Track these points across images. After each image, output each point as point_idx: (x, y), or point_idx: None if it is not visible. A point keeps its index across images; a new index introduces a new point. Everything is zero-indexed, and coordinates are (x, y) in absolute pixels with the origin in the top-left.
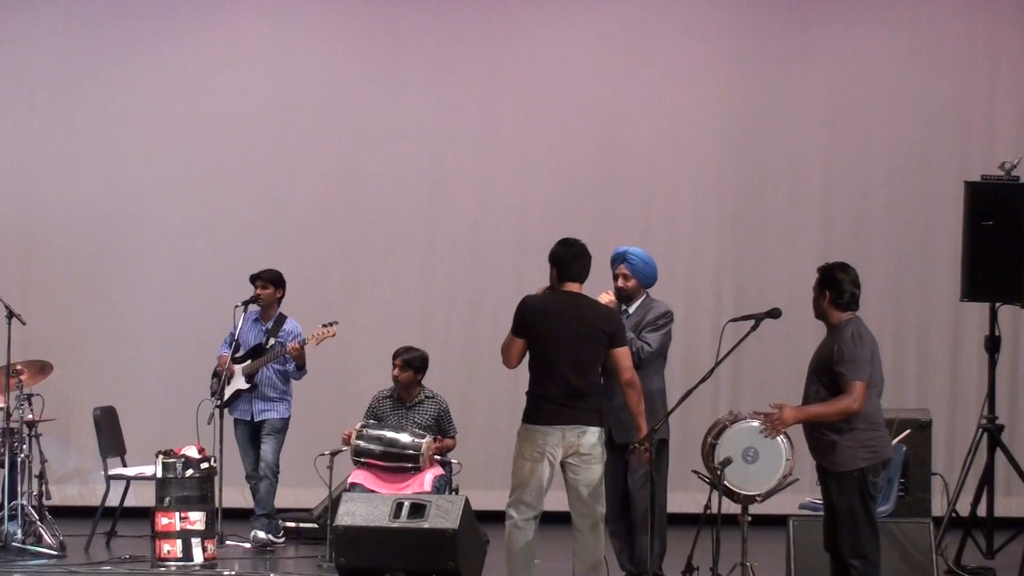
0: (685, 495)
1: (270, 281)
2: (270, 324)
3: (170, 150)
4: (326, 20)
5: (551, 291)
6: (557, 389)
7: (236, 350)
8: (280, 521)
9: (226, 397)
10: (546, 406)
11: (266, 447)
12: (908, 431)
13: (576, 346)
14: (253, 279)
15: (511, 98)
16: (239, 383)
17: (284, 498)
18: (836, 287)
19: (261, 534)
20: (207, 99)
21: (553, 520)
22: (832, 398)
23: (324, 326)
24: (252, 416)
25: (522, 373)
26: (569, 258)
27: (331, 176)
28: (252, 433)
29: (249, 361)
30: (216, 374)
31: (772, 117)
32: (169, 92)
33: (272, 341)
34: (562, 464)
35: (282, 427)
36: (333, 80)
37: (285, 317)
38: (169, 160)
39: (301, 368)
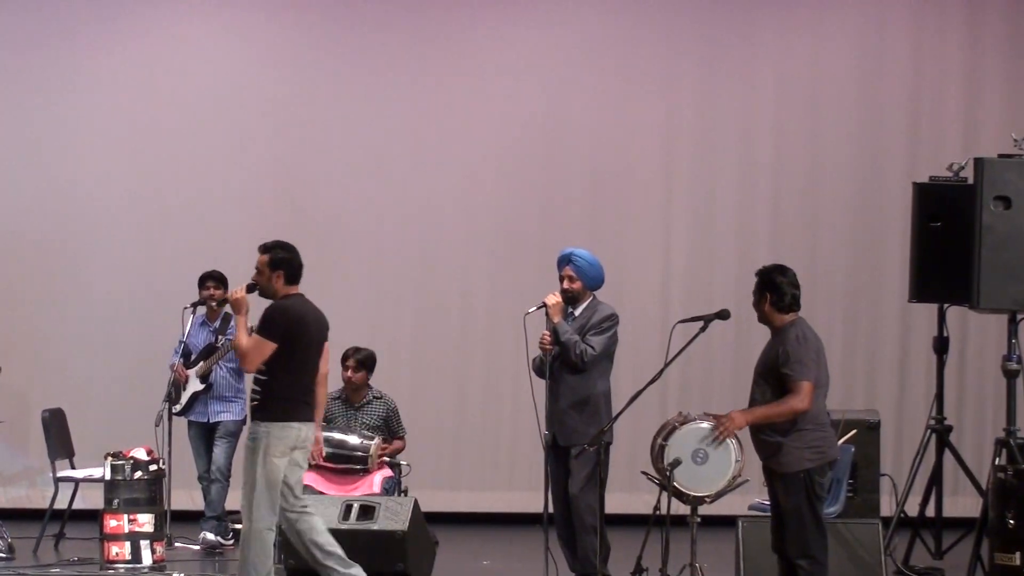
0: (634, 496)
1: (222, 281)
2: (217, 323)
3: (118, 147)
4: (277, 16)
5: (298, 296)
6: (309, 387)
7: (187, 356)
8: (229, 523)
9: (183, 402)
10: (302, 403)
11: (219, 450)
12: (854, 431)
13: (320, 347)
14: (204, 280)
15: (459, 100)
16: (194, 386)
17: (233, 500)
18: (776, 290)
19: (210, 536)
20: (155, 94)
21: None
22: (776, 401)
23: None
24: (208, 417)
25: (475, 377)
26: (298, 262)
27: (277, 175)
28: (207, 434)
29: (202, 363)
30: (173, 383)
31: (720, 119)
32: (117, 87)
33: (223, 340)
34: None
35: (236, 430)
36: (283, 78)
37: (231, 315)
38: (118, 157)
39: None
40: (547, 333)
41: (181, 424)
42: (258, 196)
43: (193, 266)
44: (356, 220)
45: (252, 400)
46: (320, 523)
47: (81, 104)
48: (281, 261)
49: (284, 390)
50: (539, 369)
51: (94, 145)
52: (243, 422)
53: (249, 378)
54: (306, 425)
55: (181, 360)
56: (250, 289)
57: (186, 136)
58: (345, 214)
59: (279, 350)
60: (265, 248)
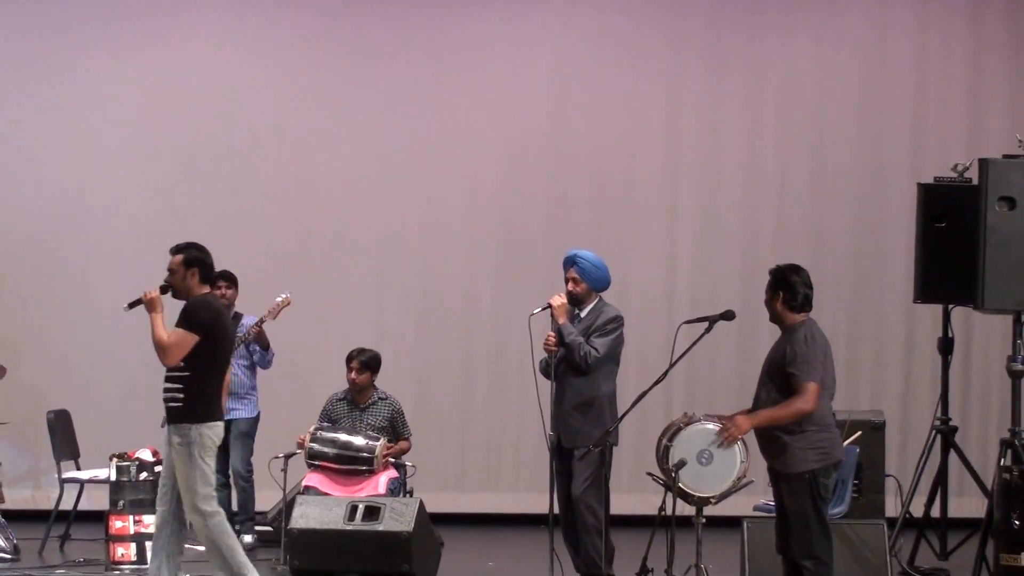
0: (640, 497)
1: (233, 281)
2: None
3: (124, 148)
4: (280, 17)
5: (211, 294)
6: (221, 384)
7: None
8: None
9: None
10: (219, 400)
11: (234, 454)
12: (859, 432)
13: (232, 345)
14: (215, 278)
15: (461, 99)
16: None
17: (261, 500)
18: (789, 289)
19: (248, 538)
20: (161, 95)
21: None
22: (784, 400)
23: (277, 300)
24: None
25: (480, 378)
26: (211, 262)
27: (283, 176)
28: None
29: None
30: None
31: (725, 119)
32: (122, 88)
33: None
34: None
35: (248, 429)
36: (286, 79)
37: (241, 314)
38: (123, 159)
39: (267, 348)
40: (552, 334)
41: None
42: (263, 198)
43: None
44: (360, 222)
45: (173, 400)
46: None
47: (87, 106)
48: (195, 260)
49: (206, 387)
50: (545, 370)
51: (100, 147)
52: (255, 420)
53: (263, 375)
54: (222, 423)
55: None
56: (164, 289)
57: (191, 138)
58: (349, 216)
59: (201, 345)
60: (178, 249)
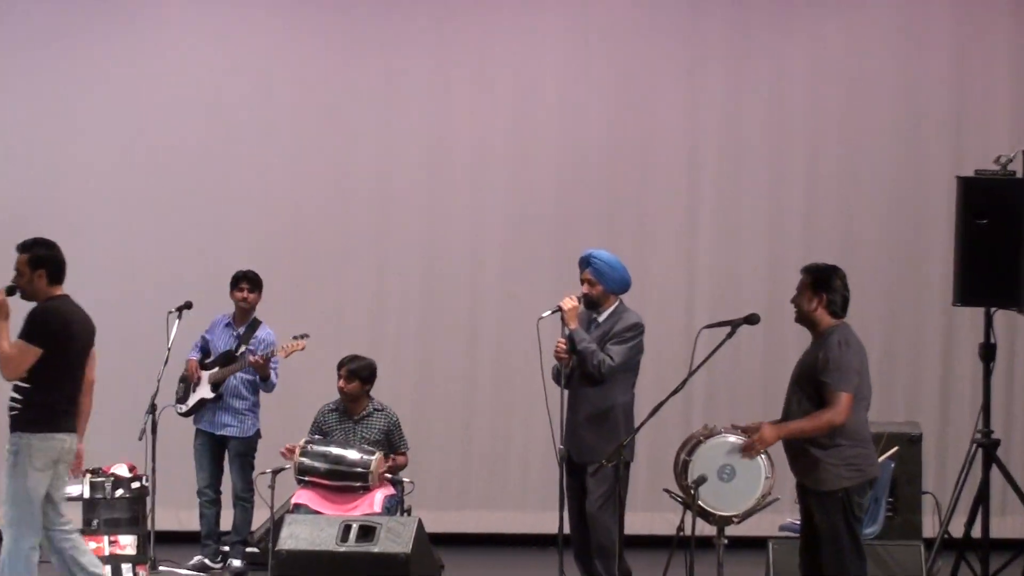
0: (656, 516)
1: (256, 284)
2: (243, 329)
3: (107, 143)
4: (276, 9)
5: (63, 297)
6: (73, 396)
7: (205, 355)
8: (217, 546)
9: (190, 404)
10: (66, 413)
11: (234, 475)
12: (896, 447)
13: (86, 353)
14: (236, 281)
15: (466, 90)
16: (204, 391)
17: (222, 520)
18: (832, 291)
19: (236, 563)
20: (148, 87)
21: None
22: (815, 410)
23: (295, 338)
24: (215, 428)
25: (484, 387)
26: (61, 259)
27: (273, 171)
28: (213, 447)
29: (216, 369)
30: (183, 379)
31: (749, 109)
32: (107, 80)
33: (243, 348)
34: None
35: (245, 450)
36: (279, 72)
37: (260, 323)
38: (106, 153)
39: (265, 380)
40: (562, 341)
41: (167, 437)
42: (251, 195)
43: (180, 270)
44: (357, 220)
45: (11, 410)
46: (82, 542)
47: (64, 101)
48: (42, 259)
49: (47, 398)
50: (557, 377)
51: (78, 143)
52: (253, 439)
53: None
54: (70, 436)
55: (197, 356)
56: (10, 291)
57: (176, 134)
58: (345, 214)
59: (43, 356)
60: (23, 247)
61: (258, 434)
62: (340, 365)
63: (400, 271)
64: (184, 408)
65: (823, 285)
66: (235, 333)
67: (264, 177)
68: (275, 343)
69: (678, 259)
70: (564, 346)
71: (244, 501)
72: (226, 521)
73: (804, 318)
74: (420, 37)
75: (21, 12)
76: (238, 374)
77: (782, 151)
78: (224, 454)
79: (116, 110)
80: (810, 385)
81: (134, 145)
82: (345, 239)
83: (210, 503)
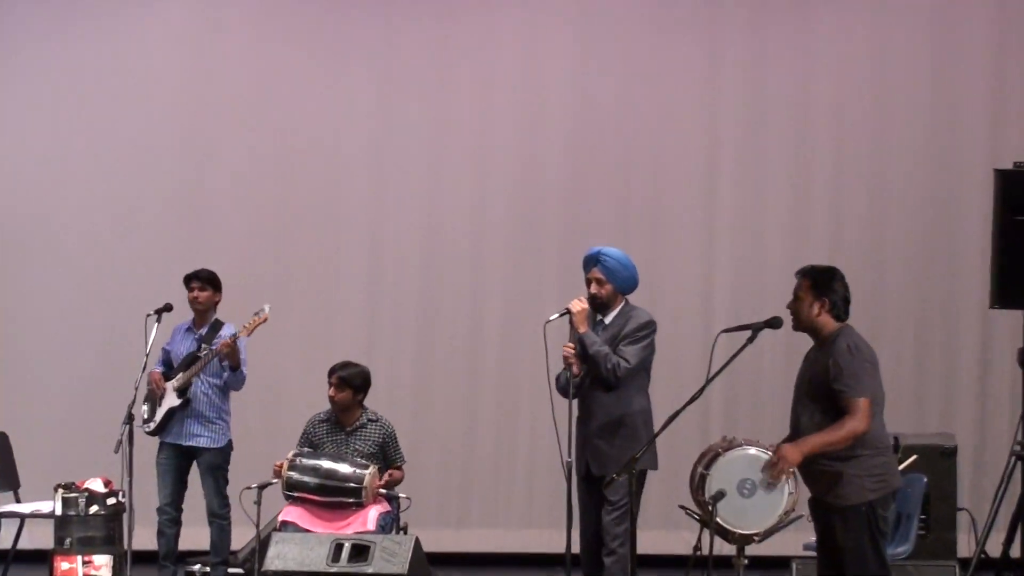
0: (672, 534)
1: (208, 281)
2: (204, 331)
3: (84, 140)
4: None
5: None
6: None
7: (168, 366)
8: (175, 568)
9: (158, 419)
10: None
11: (207, 490)
12: (915, 456)
13: None
14: (188, 279)
15: (467, 76)
16: (170, 400)
17: (203, 538)
18: (833, 293)
19: None
20: (117, 85)
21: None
22: (831, 423)
23: (255, 314)
24: (182, 439)
25: (487, 396)
26: None
27: (259, 170)
28: (178, 459)
29: (180, 375)
30: (149, 397)
31: (770, 98)
32: (73, 77)
33: (206, 349)
34: None
35: (218, 462)
36: (263, 63)
37: (222, 323)
38: (73, 153)
39: (236, 368)
40: (571, 345)
41: (144, 451)
42: (235, 189)
43: (160, 271)
44: (350, 217)
45: None
46: None
47: (31, 94)
48: None
49: None
50: (563, 387)
51: (45, 137)
52: (226, 450)
53: (237, 398)
54: None
55: (160, 369)
56: None
57: (153, 128)
58: (337, 211)
59: None
60: None
61: (230, 445)
62: (331, 372)
63: (396, 272)
64: (153, 425)
65: (824, 288)
66: (196, 336)
67: (249, 172)
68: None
69: (695, 259)
70: (573, 350)
71: (221, 518)
72: (193, 540)
73: (806, 325)
74: (420, 25)
75: None
76: (206, 379)
77: (806, 145)
78: (190, 468)
79: (93, 106)
80: (823, 397)
81: (111, 142)
82: (337, 237)
83: (171, 522)
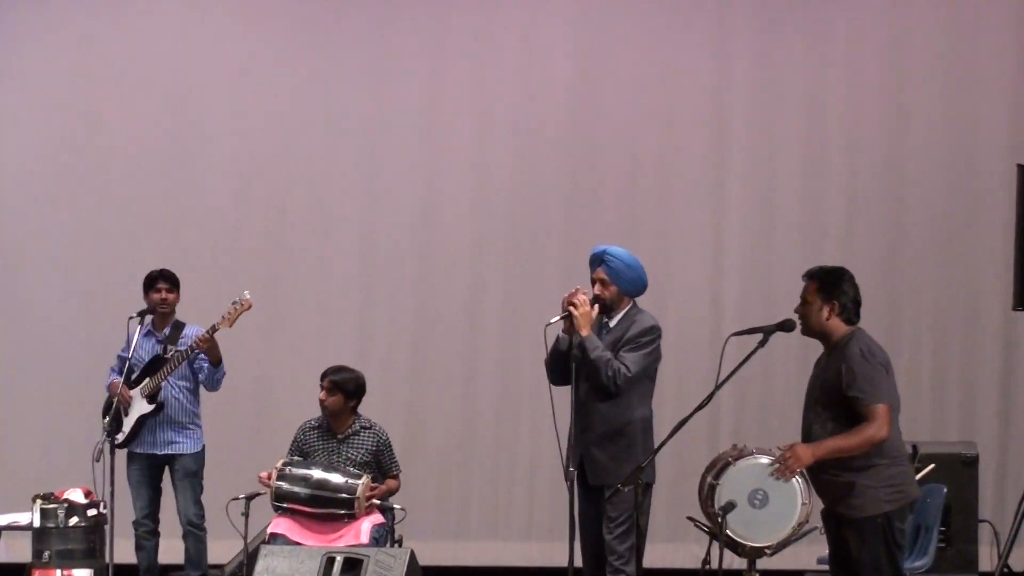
0: (679, 547)
1: (175, 283)
2: (167, 331)
3: (54, 140)
4: None
5: None
6: None
7: (129, 374)
8: None
9: (127, 430)
10: None
11: (183, 498)
12: (932, 465)
13: None
14: (152, 281)
15: (465, 68)
16: (140, 408)
17: (177, 551)
18: (843, 295)
19: None
20: (94, 77)
21: None
22: (843, 432)
23: (233, 303)
24: (158, 447)
25: (485, 403)
26: None
27: (243, 163)
28: (151, 468)
29: (147, 380)
30: (108, 407)
31: (782, 87)
32: (49, 69)
33: (172, 351)
34: None
35: (196, 467)
36: (252, 47)
37: (183, 324)
38: (52, 152)
39: (218, 364)
40: (578, 288)
41: (123, 460)
42: (221, 188)
43: (142, 273)
44: (342, 215)
45: None
46: None
47: (9, 92)
48: None
49: None
50: (556, 364)
51: (25, 136)
52: (201, 455)
53: (213, 399)
54: None
55: (120, 378)
56: None
57: (137, 125)
58: (328, 208)
59: None
60: None
61: (203, 450)
62: (323, 376)
63: (391, 273)
64: (123, 435)
65: (832, 290)
66: (158, 338)
67: (238, 170)
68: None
69: (704, 258)
70: (583, 296)
71: (198, 528)
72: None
73: (815, 330)
74: (415, 14)
75: None
76: (175, 383)
77: (819, 138)
78: (163, 477)
79: (76, 104)
80: (836, 404)
81: (94, 140)
82: (329, 235)
83: (150, 534)
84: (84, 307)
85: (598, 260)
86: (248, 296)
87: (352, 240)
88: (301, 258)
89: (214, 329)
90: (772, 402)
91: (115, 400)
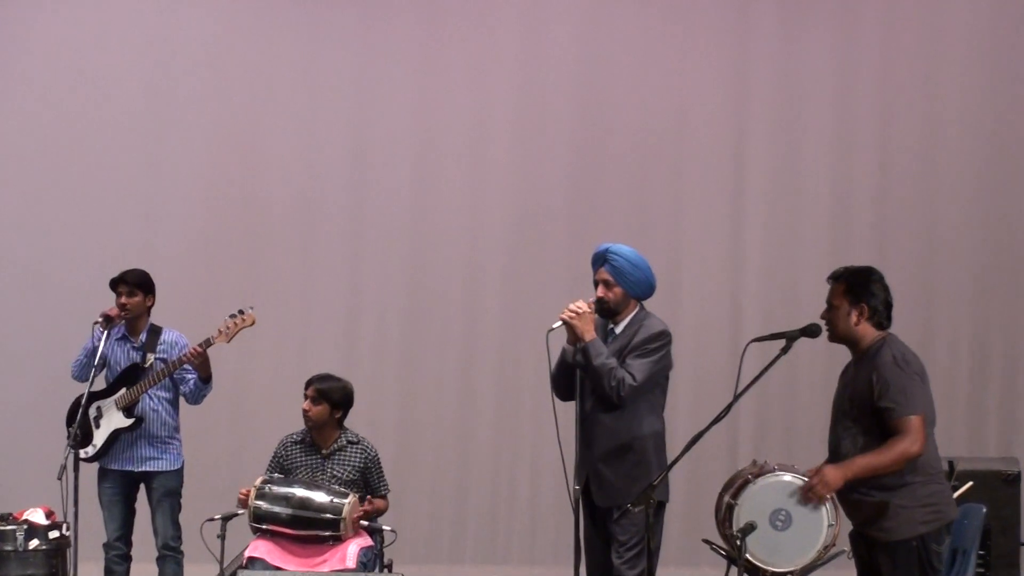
0: (694, 572)
1: (137, 285)
2: (144, 337)
3: (24, 137)
4: None
5: None
6: None
7: (99, 378)
8: None
9: (100, 443)
10: None
11: (161, 520)
12: (971, 483)
13: None
14: (115, 283)
15: (461, 68)
16: (116, 421)
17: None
18: (872, 297)
19: None
20: (66, 72)
21: None
22: (875, 446)
23: (233, 316)
24: (135, 464)
25: (482, 415)
26: None
27: (222, 155)
28: (126, 487)
29: (124, 390)
30: (73, 413)
31: (807, 78)
32: (18, 65)
33: (151, 358)
34: None
35: (176, 486)
36: (232, 49)
37: (160, 328)
38: (22, 150)
39: (208, 380)
40: (581, 303)
41: (91, 477)
42: (197, 180)
43: (108, 273)
44: (328, 213)
45: None
46: None
47: None
48: None
49: None
50: (563, 378)
51: None
52: (180, 474)
53: (190, 413)
54: None
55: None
56: None
57: (111, 123)
58: (313, 205)
59: None
60: None
61: (183, 468)
62: (308, 384)
63: (380, 279)
64: (93, 449)
65: (861, 292)
66: (134, 345)
67: (217, 169)
68: (188, 344)
69: (721, 259)
70: (586, 308)
71: (175, 551)
72: None
73: (843, 336)
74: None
75: None
76: (155, 394)
77: (847, 127)
78: (137, 496)
79: (48, 101)
80: (867, 416)
81: (65, 137)
82: (314, 238)
83: (121, 558)
84: (47, 317)
85: (601, 259)
86: (252, 311)
87: (339, 239)
88: (283, 259)
89: (208, 343)
90: (796, 414)
91: (81, 406)
